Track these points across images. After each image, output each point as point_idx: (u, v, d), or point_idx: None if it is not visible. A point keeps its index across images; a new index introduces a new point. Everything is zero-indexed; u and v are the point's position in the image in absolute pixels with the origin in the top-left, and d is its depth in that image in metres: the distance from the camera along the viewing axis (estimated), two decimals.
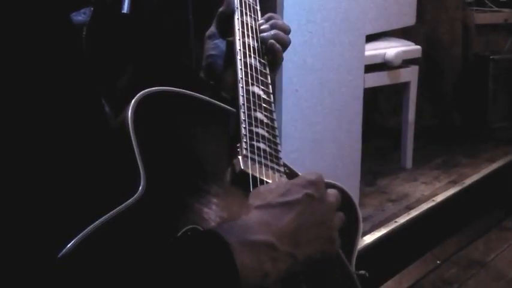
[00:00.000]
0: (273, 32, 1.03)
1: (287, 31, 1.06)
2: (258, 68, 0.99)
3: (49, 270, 0.61)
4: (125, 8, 0.90)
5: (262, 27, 1.04)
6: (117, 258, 0.64)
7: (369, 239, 2.27)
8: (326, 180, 0.88)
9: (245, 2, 1.06)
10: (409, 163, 3.01)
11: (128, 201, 0.71)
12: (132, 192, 0.72)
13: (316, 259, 0.75)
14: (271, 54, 1.03)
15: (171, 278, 0.63)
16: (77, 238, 0.65)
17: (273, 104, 0.96)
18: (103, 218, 0.68)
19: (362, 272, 0.93)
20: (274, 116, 0.95)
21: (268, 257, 0.69)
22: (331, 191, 0.80)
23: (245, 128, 0.88)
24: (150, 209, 0.72)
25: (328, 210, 0.77)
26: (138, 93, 0.81)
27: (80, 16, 0.85)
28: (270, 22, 1.05)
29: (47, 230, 0.65)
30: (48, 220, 0.66)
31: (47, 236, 0.65)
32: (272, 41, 1.02)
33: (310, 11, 2.07)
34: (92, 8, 0.87)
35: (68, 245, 0.64)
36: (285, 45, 1.05)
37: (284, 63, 1.10)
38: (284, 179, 0.81)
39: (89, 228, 0.66)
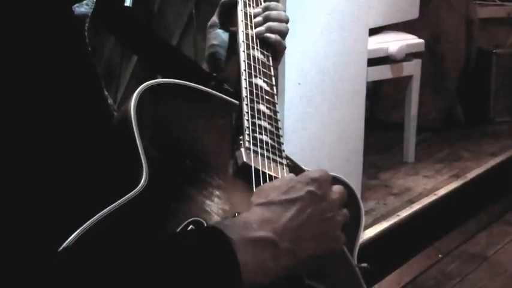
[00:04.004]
0: (266, 25, 1.03)
1: (283, 21, 1.05)
2: (261, 59, 0.99)
3: (50, 262, 0.61)
4: (128, 1, 0.90)
5: (255, 20, 1.04)
6: (119, 251, 0.64)
7: (370, 232, 2.28)
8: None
9: None
10: (411, 157, 3.01)
11: (130, 193, 0.71)
12: (134, 184, 0.72)
13: (319, 256, 0.74)
14: (270, 46, 1.03)
15: (173, 273, 0.63)
16: (78, 230, 0.65)
17: (276, 96, 0.96)
18: (105, 210, 0.68)
19: (364, 264, 0.93)
20: (277, 108, 0.95)
21: (270, 253, 0.69)
22: (336, 187, 0.79)
23: (248, 120, 0.88)
24: (152, 201, 0.72)
25: (331, 207, 0.76)
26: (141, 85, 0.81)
27: (83, 8, 0.85)
28: (264, 14, 1.04)
29: (48, 222, 0.65)
30: (50, 212, 0.66)
31: (48, 228, 0.65)
32: (267, 34, 1.02)
33: (313, 4, 2.06)
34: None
35: (70, 237, 0.64)
36: (281, 35, 1.04)
37: (286, 56, 1.10)
38: (290, 175, 0.80)
39: (91, 220, 0.66)
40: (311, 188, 0.75)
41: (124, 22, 0.99)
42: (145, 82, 0.81)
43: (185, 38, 2.51)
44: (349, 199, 0.83)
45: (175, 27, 2.53)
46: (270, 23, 1.03)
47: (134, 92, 0.80)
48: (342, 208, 0.78)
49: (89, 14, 0.85)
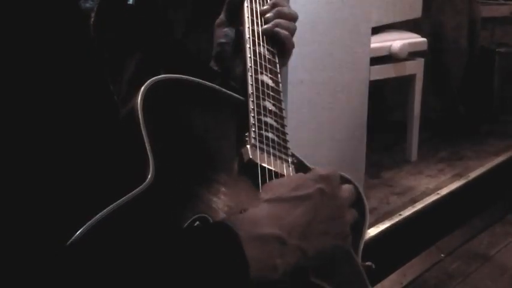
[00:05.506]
0: (276, 21, 1.02)
1: (293, 19, 1.04)
2: (267, 56, 0.98)
3: (57, 257, 0.61)
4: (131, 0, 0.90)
5: (266, 16, 1.03)
6: (126, 247, 0.64)
7: (373, 231, 2.28)
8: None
9: None
10: (414, 156, 3.00)
11: (137, 189, 0.70)
12: (141, 180, 0.72)
13: (327, 254, 0.74)
14: (279, 42, 1.02)
15: (181, 268, 0.63)
16: (85, 226, 0.65)
17: (281, 93, 0.95)
18: (112, 206, 0.68)
19: (368, 263, 0.92)
20: (283, 105, 0.94)
21: (277, 250, 0.69)
22: (346, 186, 0.79)
23: (253, 117, 0.88)
24: (159, 198, 0.72)
25: (340, 205, 0.76)
26: (147, 80, 0.80)
27: (88, 3, 0.85)
28: (274, 11, 1.03)
29: (56, 217, 0.65)
30: (57, 207, 0.66)
31: (56, 223, 0.64)
32: (277, 29, 1.01)
33: (316, 3, 2.06)
34: None
35: (77, 233, 0.64)
36: (290, 33, 1.03)
37: None
38: (300, 173, 0.80)
39: (97, 216, 0.66)
40: (321, 185, 0.75)
41: (127, 20, 0.99)
42: (149, 78, 0.81)
43: (188, 37, 2.51)
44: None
45: (178, 25, 2.53)
46: (279, 20, 1.02)
47: (138, 88, 0.79)
48: (350, 207, 0.78)
49: (94, 9, 0.85)
